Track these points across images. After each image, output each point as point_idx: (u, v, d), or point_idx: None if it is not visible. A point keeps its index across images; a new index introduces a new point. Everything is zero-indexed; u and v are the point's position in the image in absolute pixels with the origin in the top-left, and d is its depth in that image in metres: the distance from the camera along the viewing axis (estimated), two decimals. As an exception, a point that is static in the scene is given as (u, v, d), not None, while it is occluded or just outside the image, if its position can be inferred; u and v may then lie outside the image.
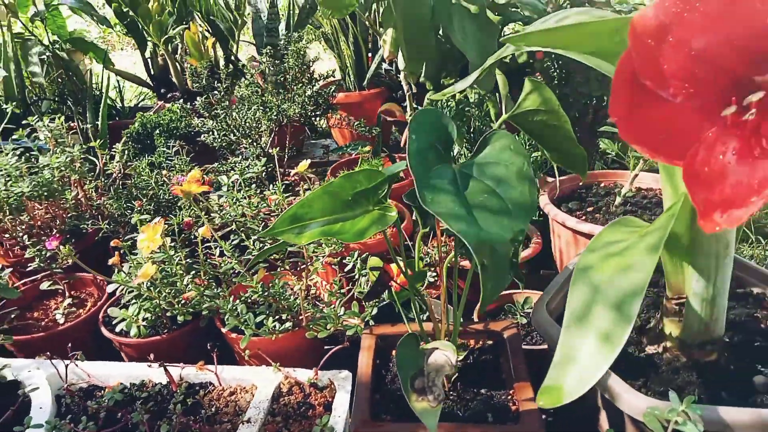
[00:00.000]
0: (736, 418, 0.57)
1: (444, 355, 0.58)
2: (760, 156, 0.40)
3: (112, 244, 0.85)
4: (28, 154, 1.17)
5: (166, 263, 0.84)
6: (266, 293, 0.83)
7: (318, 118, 1.43)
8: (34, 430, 0.73)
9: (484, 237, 0.48)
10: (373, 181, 0.56)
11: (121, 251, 0.86)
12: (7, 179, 0.97)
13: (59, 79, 2.07)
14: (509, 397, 0.68)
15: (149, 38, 2.02)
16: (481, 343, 0.80)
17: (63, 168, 1.08)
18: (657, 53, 0.39)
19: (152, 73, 2.17)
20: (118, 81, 2.38)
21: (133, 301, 0.88)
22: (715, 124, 0.41)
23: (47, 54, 1.91)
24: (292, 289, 0.95)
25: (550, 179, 1.17)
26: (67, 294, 1.07)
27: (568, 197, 1.17)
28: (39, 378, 0.88)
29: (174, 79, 2.11)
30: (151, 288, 0.84)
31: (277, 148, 1.19)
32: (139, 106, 2.36)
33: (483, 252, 0.46)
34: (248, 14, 2.14)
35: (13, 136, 1.10)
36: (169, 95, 2.16)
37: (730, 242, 0.58)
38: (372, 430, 0.63)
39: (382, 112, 1.19)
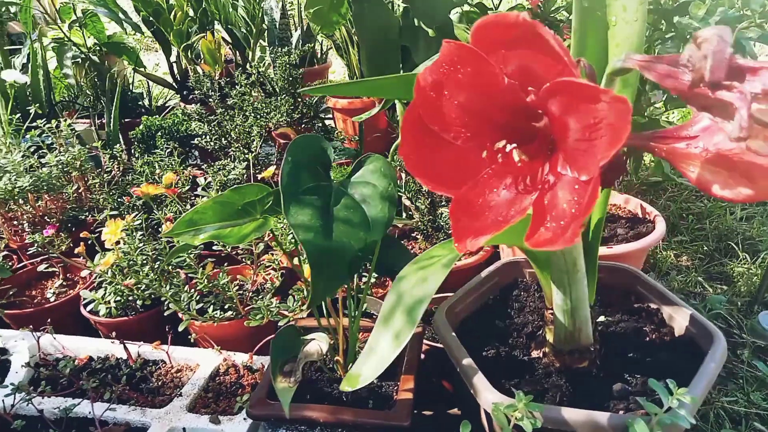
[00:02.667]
0: (571, 418, 0.64)
1: (318, 345, 0.67)
2: (522, 191, 0.48)
3: (81, 235, 0.98)
4: (41, 152, 1.33)
5: (129, 254, 0.97)
6: (211, 284, 0.94)
7: (306, 125, 1.54)
8: (3, 390, 0.86)
9: (331, 246, 0.57)
10: (260, 193, 0.66)
11: (89, 242, 0.99)
12: (12, 175, 1.13)
13: (95, 81, 2.26)
14: (396, 388, 0.77)
15: (173, 44, 2.19)
16: (391, 339, 0.88)
17: (66, 165, 1.23)
18: (438, 103, 0.48)
19: (176, 76, 2.34)
20: (148, 83, 2.56)
21: (103, 285, 1.01)
22: (493, 162, 0.49)
23: (80, 57, 2.09)
24: (242, 283, 1.06)
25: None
26: (61, 276, 1.22)
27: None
28: (22, 347, 1.03)
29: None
30: (117, 274, 0.97)
31: (257, 153, 1.31)
32: (165, 106, 2.54)
33: (320, 259, 0.55)
34: (266, 25, 2.28)
35: (26, 136, 1.26)
36: (190, 97, 2.32)
37: (577, 260, 0.65)
38: (264, 407, 0.73)
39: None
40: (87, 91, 2.22)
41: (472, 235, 0.45)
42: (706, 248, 1.45)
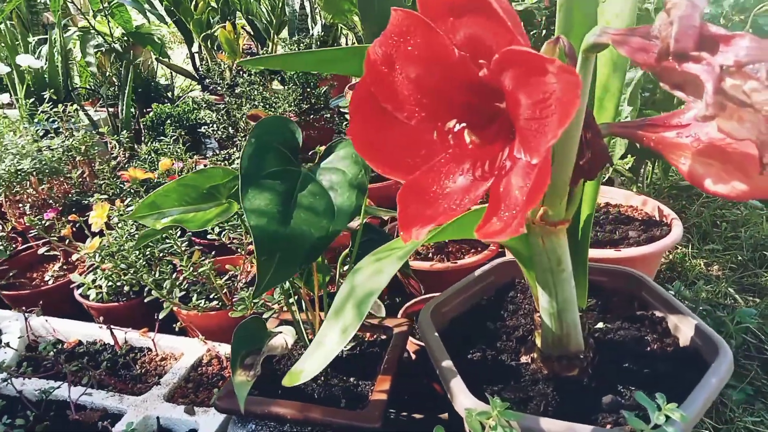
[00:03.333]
0: (550, 429, 0.59)
1: (283, 338, 0.64)
2: (479, 177, 0.43)
3: (69, 218, 0.98)
4: (49, 136, 1.34)
5: (118, 239, 0.96)
6: (197, 273, 0.92)
7: (314, 115, 1.51)
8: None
9: (286, 233, 0.54)
10: (226, 177, 0.63)
11: (77, 225, 0.98)
12: (15, 157, 1.13)
13: (119, 70, 2.29)
14: (372, 387, 0.73)
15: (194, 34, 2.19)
16: (375, 336, 0.85)
17: (69, 149, 1.23)
18: (390, 79, 0.44)
19: (197, 66, 2.35)
20: (171, 73, 2.59)
21: (93, 270, 1.00)
22: (447, 145, 0.44)
23: (104, 47, 2.12)
24: (235, 274, 1.04)
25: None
26: (62, 259, 1.22)
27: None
28: (14, 328, 1.03)
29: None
30: (105, 259, 0.96)
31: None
32: (189, 96, 2.56)
33: (270, 245, 0.52)
34: (287, 16, 2.26)
35: (35, 119, 1.27)
36: (210, 87, 2.32)
37: (561, 258, 0.60)
38: (231, 401, 0.70)
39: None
40: (113, 79, 2.25)
41: (420, 224, 0.41)
42: (739, 258, 1.37)
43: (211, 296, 0.95)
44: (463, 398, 0.64)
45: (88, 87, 2.18)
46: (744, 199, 0.54)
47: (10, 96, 1.55)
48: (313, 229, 0.55)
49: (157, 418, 0.80)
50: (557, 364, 0.70)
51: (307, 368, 0.47)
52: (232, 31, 2.07)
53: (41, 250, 1.19)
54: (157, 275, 0.98)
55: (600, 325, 0.79)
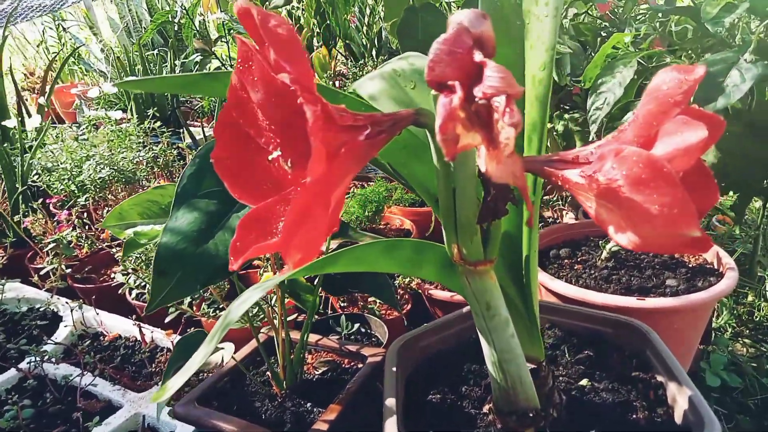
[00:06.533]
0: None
1: (221, 355, 0.65)
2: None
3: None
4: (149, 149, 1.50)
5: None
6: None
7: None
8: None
9: (195, 253, 0.56)
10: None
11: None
12: (97, 165, 1.29)
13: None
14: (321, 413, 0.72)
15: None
16: (352, 364, 0.83)
17: (149, 162, 1.38)
18: (249, 104, 0.44)
19: (300, 88, 2.49)
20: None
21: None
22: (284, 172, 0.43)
23: (219, 69, 2.34)
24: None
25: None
26: (129, 260, 1.36)
27: (560, 246, 1.08)
28: (73, 317, 1.16)
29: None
30: (140, 265, 1.06)
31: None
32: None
33: (170, 265, 0.54)
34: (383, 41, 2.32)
35: (136, 135, 1.44)
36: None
37: (491, 303, 0.54)
38: (187, 408, 0.73)
39: None
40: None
41: (242, 253, 0.40)
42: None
43: (221, 306, 0.99)
44: (389, 443, 0.60)
45: (205, 107, 2.41)
46: (640, 250, 0.45)
47: (123, 113, 1.76)
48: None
49: (143, 416, 0.85)
50: (510, 419, 0.63)
51: (170, 385, 0.48)
52: (326, 54, 2.17)
53: (114, 251, 1.34)
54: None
55: (584, 382, 0.70)
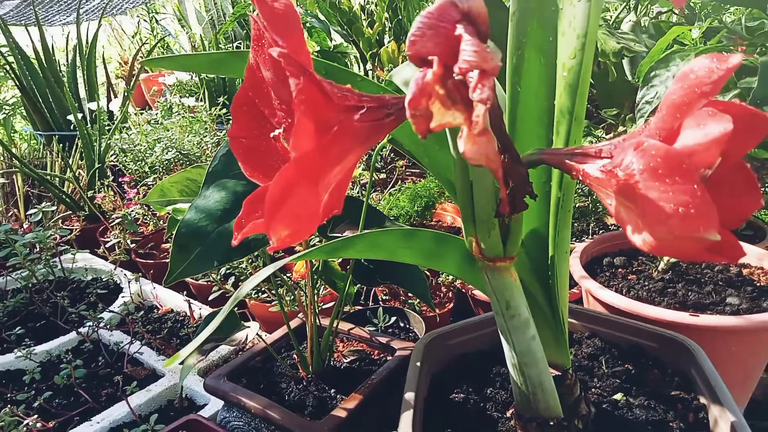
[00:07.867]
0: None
1: (245, 333, 0.67)
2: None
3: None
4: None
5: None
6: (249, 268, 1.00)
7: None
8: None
9: (218, 231, 0.57)
10: (218, 174, 0.68)
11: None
12: (164, 148, 1.36)
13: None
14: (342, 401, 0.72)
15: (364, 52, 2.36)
16: (381, 355, 0.82)
17: (213, 145, 1.43)
18: (263, 83, 0.44)
19: (369, 82, 2.51)
20: (351, 87, 2.80)
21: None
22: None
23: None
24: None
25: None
26: (189, 240, 1.42)
27: (616, 254, 1.02)
28: (132, 288, 1.23)
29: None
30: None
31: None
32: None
33: (189, 241, 0.55)
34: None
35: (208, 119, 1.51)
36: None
37: (510, 303, 0.52)
38: (217, 383, 0.75)
39: None
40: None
41: (242, 228, 0.41)
42: None
43: (262, 289, 1.02)
44: (402, 435, 0.59)
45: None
46: (656, 254, 0.40)
47: (196, 100, 1.85)
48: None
49: (182, 387, 0.89)
50: (530, 426, 0.60)
51: (181, 353, 0.49)
52: (395, 49, 2.17)
53: (175, 229, 1.40)
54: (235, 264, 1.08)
55: (618, 396, 0.65)
